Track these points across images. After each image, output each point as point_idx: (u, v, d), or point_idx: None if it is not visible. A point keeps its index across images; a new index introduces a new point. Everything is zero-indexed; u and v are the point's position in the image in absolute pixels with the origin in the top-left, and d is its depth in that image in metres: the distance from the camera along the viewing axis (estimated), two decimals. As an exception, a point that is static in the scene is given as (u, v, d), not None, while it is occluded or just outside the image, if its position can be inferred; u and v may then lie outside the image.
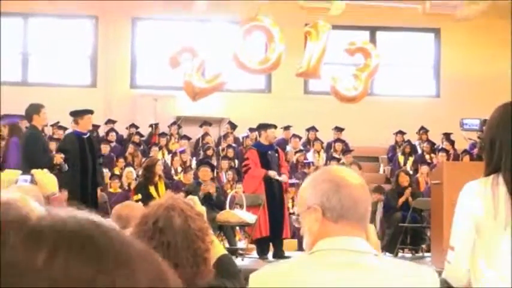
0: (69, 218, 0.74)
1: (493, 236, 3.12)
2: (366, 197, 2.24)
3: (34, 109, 9.96)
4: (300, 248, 10.48)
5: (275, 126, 11.42)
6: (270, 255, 10.52)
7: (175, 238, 2.52)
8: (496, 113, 3.32)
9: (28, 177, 4.05)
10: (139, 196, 11.08)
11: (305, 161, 15.94)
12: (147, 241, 2.50)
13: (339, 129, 17.05)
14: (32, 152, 9.55)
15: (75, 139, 10.31)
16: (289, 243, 11.23)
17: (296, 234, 11.38)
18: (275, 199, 10.59)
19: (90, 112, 10.67)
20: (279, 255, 10.41)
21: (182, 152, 15.58)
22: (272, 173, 10.55)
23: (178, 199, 2.69)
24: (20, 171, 4.24)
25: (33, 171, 4.13)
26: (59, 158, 9.84)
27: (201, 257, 2.55)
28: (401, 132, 17.22)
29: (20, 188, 3.74)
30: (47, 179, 4.06)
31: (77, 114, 10.56)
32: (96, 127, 16.08)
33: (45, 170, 4.18)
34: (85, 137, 10.43)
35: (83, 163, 10.18)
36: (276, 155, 10.91)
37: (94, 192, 10.61)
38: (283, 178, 10.81)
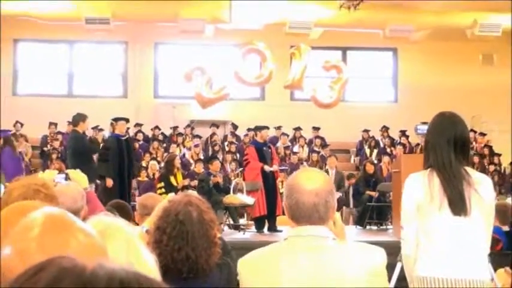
0: (120, 270, 0.67)
1: (430, 215, 3.12)
2: (315, 201, 2.10)
3: (81, 117, 9.99)
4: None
5: (268, 128, 11.35)
6: (265, 229, 10.44)
7: (193, 228, 2.47)
8: (431, 121, 3.31)
9: (63, 175, 3.95)
10: (162, 184, 11.01)
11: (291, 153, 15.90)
12: (170, 231, 2.44)
13: (316, 129, 17.01)
14: (82, 147, 9.69)
15: (114, 140, 10.44)
16: (281, 219, 11.13)
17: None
18: (269, 185, 10.52)
19: (125, 120, 10.79)
20: (273, 229, 10.32)
21: (197, 145, 15.63)
22: (267, 168, 10.46)
23: (193, 196, 2.63)
24: (56, 171, 4.13)
25: (68, 170, 4.04)
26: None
27: (212, 242, 2.50)
28: (367, 130, 17.14)
29: (64, 186, 3.61)
30: (79, 177, 3.93)
31: (115, 120, 10.70)
32: (126, 129, 16.01)
33: (78, 170, 4.05)
34: (123, 138, 10.50)
35: (120, 158, 10.22)
36: (269, 150, 10.82)
37: (129, 181, 10.67)
38: (274, 168, 10.73)
